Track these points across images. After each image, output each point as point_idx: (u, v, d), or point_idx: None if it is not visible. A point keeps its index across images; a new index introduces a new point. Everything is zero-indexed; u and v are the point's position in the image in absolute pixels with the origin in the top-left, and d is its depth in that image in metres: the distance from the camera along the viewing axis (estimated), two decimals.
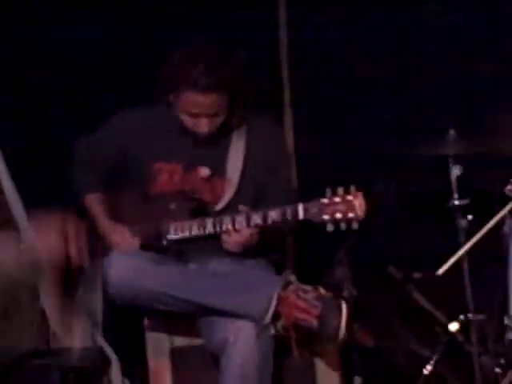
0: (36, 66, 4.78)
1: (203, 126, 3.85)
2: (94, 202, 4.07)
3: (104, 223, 4.03)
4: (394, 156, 4.54)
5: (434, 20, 4.83)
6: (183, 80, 3.80)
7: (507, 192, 3.80)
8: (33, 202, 4.61)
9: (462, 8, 4.77)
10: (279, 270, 3.92)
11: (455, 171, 4.22)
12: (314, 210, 3.65)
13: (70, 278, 2.80)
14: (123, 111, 4.08)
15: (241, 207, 3.79)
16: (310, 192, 3.87)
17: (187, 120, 3.87)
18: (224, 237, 3.79)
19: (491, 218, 3.81)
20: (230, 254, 3.88)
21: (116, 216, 4.05)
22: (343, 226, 3.60)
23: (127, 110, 4.08)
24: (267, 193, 3.98)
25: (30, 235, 2.69)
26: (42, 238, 2.65)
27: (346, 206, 3.60)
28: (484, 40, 4.79)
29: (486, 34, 4.81)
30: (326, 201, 3.63)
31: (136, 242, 3.94)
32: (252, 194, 3.97)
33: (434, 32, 4.85)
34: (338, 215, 3.60)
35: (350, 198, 3.61)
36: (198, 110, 3.83)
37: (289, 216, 3.69)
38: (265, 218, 3.72)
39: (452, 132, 4.21)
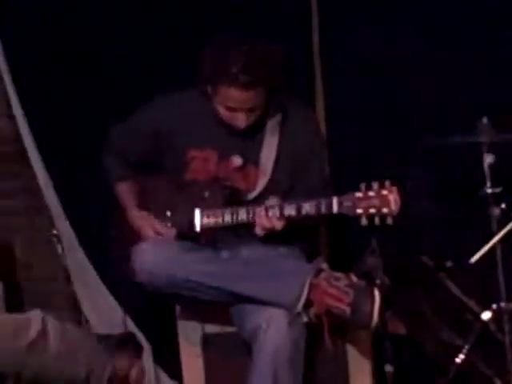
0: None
1: (240, 120, 3.83)
2: (125, 192, 4.08)
3: (134, 213, 4.02)
4: (427, 145, 4.45)
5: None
6: (223, 75, 3.76)
7: None
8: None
9: None
10: (311, 259, 3.89)
11: (488, 159, 4.18)
12: (348, 203, 3.62)
13: None
14: (158, 98, 4.04)
15: (272, 199, 3.78)
16: (342, 179, 3.91)
17: (224, 113, 3.84)
18: (256, 224, 3.76)
19: None
20: (262, 242, 3.85)
21: (149, 203, 4.04)
22: (377, 220, 3.57)
23: (162, 97, 4.04)
24: (301, 182, 3.95)
25: None
26: None
27: (381, 200, 3.58)
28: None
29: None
30: (360, 195, 3.60)
31: (169, 232, 3.94)
32: (285, 184, 3.94)
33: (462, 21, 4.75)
34: (372, 210, 3.58)
35: (384, 192, 3.58)
36: (235, 104, 3.79)
37: (323, 209, 3.66)
38: (299, 210, 3.70)
39: (485, 120, 4.17)
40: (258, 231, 3.77)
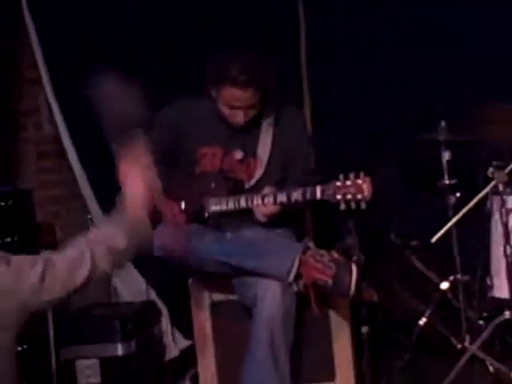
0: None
1: (240, 117, 3.83)
2: None
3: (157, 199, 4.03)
4: (396, 143, 4.51)
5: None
6: (224, 77, 3.76)
7: (489, 174, 3.77)
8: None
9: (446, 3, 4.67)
10: (300, 239, 3.91)
11: (446, 156, 4.18)
12: (329, 191, 3.62)
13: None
14: (173, 104, 4.04)
15: (267, 188, 3.79)
16: (325, 173, 3.90)
17: (226, 111, 3.84)
18: (255, 209, 3.77)
19: (476, 195, 3.87)
20: (259, 224, 3.85)
21: (167, 192, 3.86)
22: (353, 205, 3.58)
23: (176, 103, 4.03)
24: (291, 173, 3.95)
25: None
26: (131, 189, 2.63)
27: (356, 188, 3.58)
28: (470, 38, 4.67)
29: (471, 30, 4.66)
30: (339, 184, 3.61)
31: (183, 218, 3.92)
32: (278, 174, 3.94)
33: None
34: (349, 196, 3.58)
35: (359, 182, 3.58)
36: (236, 103, 3.80)
37: (308, 196, 3.67)
38: (289, 197, 3.70)
39: (443, 123, 4.15)
40: (261, 218, 3.80)
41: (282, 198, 3.71)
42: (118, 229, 2.59)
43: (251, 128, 3.92)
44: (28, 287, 2.38)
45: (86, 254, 2.46)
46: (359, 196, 3.58)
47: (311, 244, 3.78)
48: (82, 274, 2.44)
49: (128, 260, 2.68)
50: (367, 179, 3.59)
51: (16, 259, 2.40)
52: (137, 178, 2.65)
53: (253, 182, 3.93)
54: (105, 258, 2.47)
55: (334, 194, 3.61)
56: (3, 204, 4.11)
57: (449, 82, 4.65)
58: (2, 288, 2.35)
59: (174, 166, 4.01)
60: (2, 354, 2.36)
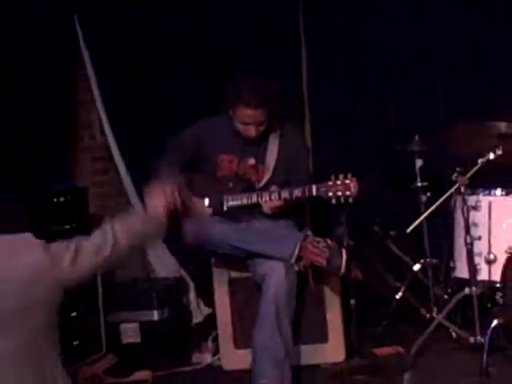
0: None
1: (251, 131, 3.82)
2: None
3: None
4: (380, 152, 4.48)
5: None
6: (239, 99, 3.75)
7: (453, 178, 3.76)
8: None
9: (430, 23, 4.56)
10: (300, 228, 3.93)
11: (418, 163, 4.17)
12: (322, 189, 3.63)
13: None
14: (199, 121, 4.00)
15: (273, 187, 3.76)
16: (320, 175, 3.87)
17: (241, 127, 3.82)
18: (263, 204, 3.77)
19: (442, 195, 3.85)
20: (267, 216, 3.83)
21: (193, 189, 3.95)
22: (342, 200, 3.60)
23: (202, 120, 4.01)
24: (293, 176, 3.92)
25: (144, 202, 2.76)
26: (152, 200, 2.72)
27: (345, 187, 3.59)
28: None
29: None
30: (331, 183, 3.62)
31: (208, 212, 3.91)
32: (282, 177, 3.92)
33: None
34: (339, 193, 3.60)
35: (347, 181, 3.60)
36: (248, 120, 3.78)
37: (307, 193, 3.68)
38: (291, 194, 3.71)
39: (416, 137, 4.16)
40: (267, 211, 3.78)
41: (285, 194, 3.71)
42: (135, 216, 2.67)
43: (261, 140, 3.90)
44: (62, 267, 2.39)
45: (108, 234, 2.47)
46: (347, 193, 3.59)
47: (310, 233, 3.80)
48: (106, 252, 2.45)
49: (145, 241, 2.73)
50: (354, 179, 3.60)
51: (53, 245, 2.42)
52: (159, 196, 2.73)
53: (262, 183, 3.92)
54: (124, 238, 2.49)
55: (327, 191, 3.62)
56: (63, 199, 4.14)
57: (423, 104, 4.58)
58: (41, 268, 2.36)
59: (198, 170, 4.00)
60: (42, 328, 2.35)
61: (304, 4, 4.77)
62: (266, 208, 3.78)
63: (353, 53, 4.73)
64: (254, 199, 3.81)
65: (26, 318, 2.32)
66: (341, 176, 3.60)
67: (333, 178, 3.62)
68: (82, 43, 4.62)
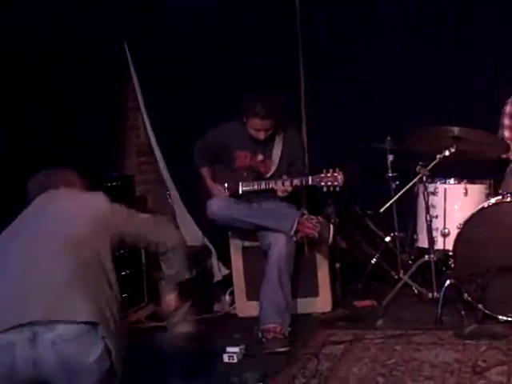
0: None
1: (261, 136, 3.81)
2: (205, 172, 4.04)
3: (210, 183, 4.00)
4: (361, 149, 4.39)
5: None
6: (250, 111, 3.74)
7: (417, 170, 3.71)
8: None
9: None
10: (298, 208, 3.91)
11: (390, 158, 4.17)
12: (316, 179, 3.66)
13: None
14: (220, 125, 3.97)
15: (284, 177, 3.76)
16: (315, 167, 3.91)
17: (252, 132, 3.82)
18: (278, 188, 3.76)
19: (408, 183, 3.78)
20: (274, 198, 3.82)
21: (216, 178, 4.01)
22: (331, 189, 3.64)
23: (222, 124, 3.97)
24: (293, 169, 3.91)
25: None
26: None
27: (333, 178, 3.63)
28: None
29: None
30: (322, 175, 3.65)
31: (226, 194, 3.93)
32: (285, 169, 3.90)
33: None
34: (329, 183, 3.63)
35: (335, 174, 3.63)
36: (258, 127, 3.78)
37: (304, 182, 3.71)
38: (291, 183, 3.73)
39: (388, 138, 4.16)
40: (279, 193, 3.76)
41: (287, 183, 3.74)
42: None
43: (268, 141, 3.89)
44: (119, 218, 2.47)
45: (157, 221, 2.55)
46: (335, 183, 3.63)
47: (305, 211, 3.77)
48: (146, 228, 2.51)
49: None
50: (341, 172, 3.63)
51: (116, 204, 2.51)
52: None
53: (269, 174, 3.92)
54: (165, 239, 2.57)
55: (320, 181, 3.65)
56: (115, 184, 4.10)
57: (394, 113, 4.51)
58: (104, 212, 2.44)
59: (220, 162, 4.00)
60: (101, 254, 2.36)
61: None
62: (281, 193, 3.77)
63: (340, 74, 4.64)
64: (263, 186, 3.81)
65: (91, 242, 2.35)
66: (330, 170, 3.64)
67: (324, 171, 3.66)
68: (130, 62, 4.60)
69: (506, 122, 3.94)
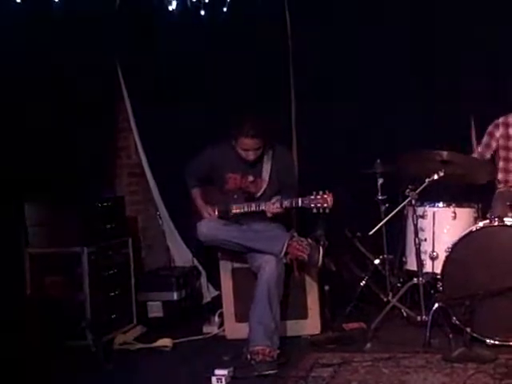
0: None
1: (250, 156, 3.83)
2: (195, 193, 4.05)
3: (200, 204, 4.01)
4: (350, 172, 4.37)
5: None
6: (240, 132, 3.77)
7: (406, 193, 3.74)
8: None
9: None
10: (288, 229, 3.91)
11: (380, 181, 4.19)
12: (306, 201, 3.66)
13: None
14: (209, 147, 3.99)
15: (275, 198, 3.76)
16: (304, 189, 3.87)
17: (242, 153, 3.83)
18: (267, 209, 3.75)
19: (397, 206, 3.79)
20: (263, 220, 3.82)
21: (206, 200, 4.01)
22: (321, 210, 3.63)
23: (211, 145, 3.99)
24: (283, 189, 3.91)
25: None
26: None
27: (323, 200, 3.62)
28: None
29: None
30: (312, 197, 3.64)
31: (215, 215, 3.93)
32: (275, 189, 3.91)
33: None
34: (318, 205, 3.62)
35: (325, 196, 3.62)
36: (247, 147, 3.80)
37: (294, 204, 3.70)
38: (281, 204, 3.74)
39: (378, 161, 4.18)
40: (269, 215, 3.77)
41: (277, 204, 3.73)
42: None
43: (257, 161, 3.90)
44: None
45: None
46: (325, 205, 3.62)
47: (295, 233, 3.78)
48: None
49: None
50: (330, 194, 3.63)
51: None
52: None
53: (259, 194, 3.93)
54: None
55: (309, 203, 3.64)
56: (105, 204, 4.09)
57: (384, 138, 4.50)
58: None
59: (210, 185, 4.01)
60: None
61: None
62: (270, 214, 3.78)
63: (330, 102, 4.63)
64: (253, 208, 3.82)
65: None
66: (320, 192, 3.64)
67: (314, 193, 3.64)
68: (122, 84, 4.64)
69: (485, 139, 4.03)
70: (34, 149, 3.84)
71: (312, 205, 3.63)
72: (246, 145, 3.79)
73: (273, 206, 3.73)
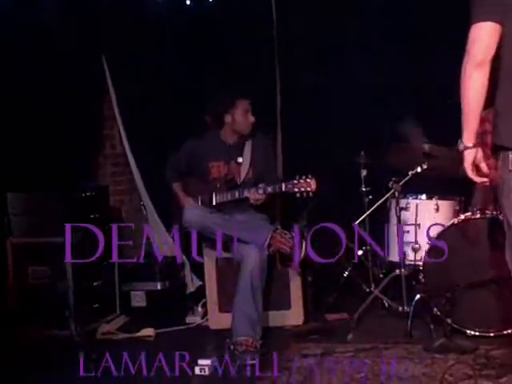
0: None
1: (251, 118, 3.85)
2: (177, 187, 4.08)
3: (181, 196, 4.04)
4: (335, 162, 4.37)
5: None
6: (235, 97, 3.82)
7: (390, 185, 3.75)
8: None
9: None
10: (272, 222, 3.93)
11: (363, 173, 4.18)
12: (289, 185, 3.63)
13: None
14: (190, 139, 4.02)
15: (260, 185, 3.75)
16: (289, 174, 3.86)
17: (242, 120, 3.85)
18: (251, 196, 3.75)
19: (381, 198, 3.82)
20: (246, 210, 3.82)
21: (189, 191, 4.03)
22: (305, 194, 3.61)
23: (193, 138, 4.02)
24: (266, 176, 3.93)
25: None
26: None
27: (306, 184, 3.60)
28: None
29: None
30: (295, 181, 3.61)
31: (194, 204, 3.92)
32: (255, 176, 3.93)
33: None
34: (302, 189, 3.60)
35: (308, 180, 3.60)
36: (248, 106, 3.84)
37: (277, 189, 3.69)
38: (264, 191, 3.73)
39: (362, 152, 4.17)
40: (252, 201, 3.76)
41: (260, 190, 3.72)
42: None
43: (239, 148, 3.93)
44: None
45: None
46: (308, 189, 3.59)
47: (279, 226, 3.78)
48: None
49: None
50: (313, 178, 3.59)
51: None
52: None
53: (241, 180, 3.93)
54: None
55: (293, 187, 3.61)
56: (89, 194, 4.06)
57: (369, 129, 4.45)
58: None
59: (193, 175, 4.01)
60: None
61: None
62: (253, 201, 3.77)
63: (315, 94, 4.64)
64: (235, 196, 3.81)
65: None
66: (303, 176, 3.61)
67: (297, 177, 3.62)
68: (107, 73, 4.61)
69: None
70: (17, 137, 3.80)
71: (296, 189, 3.60)
72: (246, 104, 3.82)
73: (256, 193, 3.73)
